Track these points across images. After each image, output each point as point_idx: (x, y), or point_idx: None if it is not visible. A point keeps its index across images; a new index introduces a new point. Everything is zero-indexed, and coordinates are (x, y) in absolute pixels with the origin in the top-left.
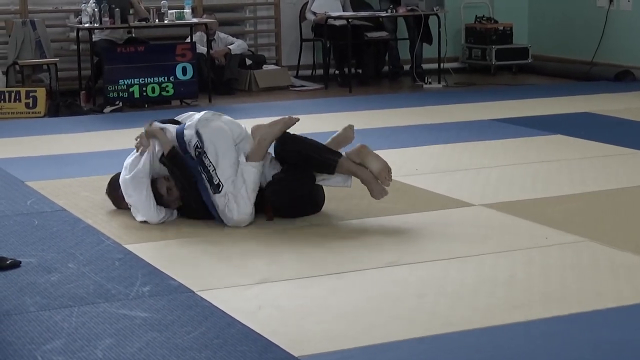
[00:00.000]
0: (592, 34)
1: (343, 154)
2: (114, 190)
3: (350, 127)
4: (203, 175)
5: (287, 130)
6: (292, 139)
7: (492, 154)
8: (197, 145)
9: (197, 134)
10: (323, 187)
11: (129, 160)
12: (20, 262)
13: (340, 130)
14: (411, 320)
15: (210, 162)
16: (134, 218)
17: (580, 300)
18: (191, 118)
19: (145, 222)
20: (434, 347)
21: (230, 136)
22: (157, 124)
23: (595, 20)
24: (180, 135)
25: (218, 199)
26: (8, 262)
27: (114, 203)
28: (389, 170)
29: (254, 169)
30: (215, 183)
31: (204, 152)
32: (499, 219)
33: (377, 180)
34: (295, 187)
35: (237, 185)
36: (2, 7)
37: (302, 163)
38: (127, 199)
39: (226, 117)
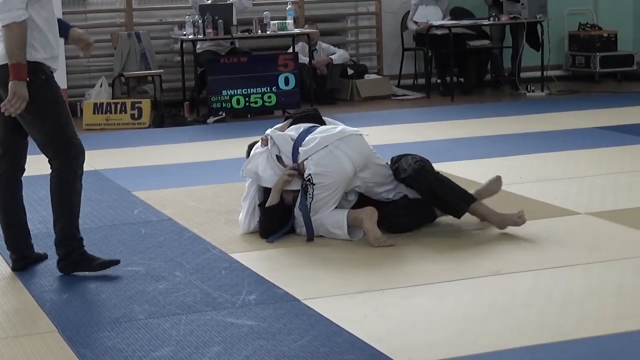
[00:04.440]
0: None
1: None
2: None
3: (499, 179)
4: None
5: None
6: (428, 172)
7: (597, 162)
8: (309, 179)
9: (311, 169)
10: None
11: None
12: (118, 260)
13: (487, 183)
14: (518, 329)
15: (313, 195)
16: (239, 227)
17: None
18: (326, 133)
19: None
20: (542, 357)
21: (345, 178)
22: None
23: None
24: (295, 150)
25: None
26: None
27: None
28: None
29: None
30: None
31: (313, 185)
32: (606, 227)
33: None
34: (417, 217)
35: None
36: (108, 20)
37: (429, 199)
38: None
39: (357, 140)
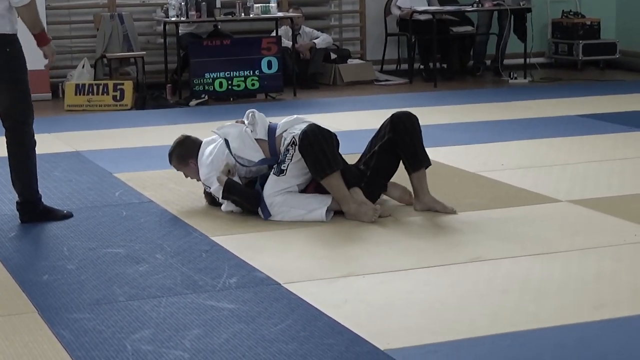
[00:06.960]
0: None
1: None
2: (185, 157)
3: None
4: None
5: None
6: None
7: (578, 149)
8: (293, 141)
9: (295, 132)
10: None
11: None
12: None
13: (406, 193)
14: (496, 316)
15: (293, 154)
16: (220, 210)
17: None
18: (295, 125)
19: (231, 211)
20: (518, 343)
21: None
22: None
23: None
24: (273, 130)
25: (272, 181)
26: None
27: (177, 167)
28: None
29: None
30: (282, 168)
31: (295, 145)
32: (586, 215)
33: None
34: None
35: (290, 204)
36: (91, 1)
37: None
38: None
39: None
